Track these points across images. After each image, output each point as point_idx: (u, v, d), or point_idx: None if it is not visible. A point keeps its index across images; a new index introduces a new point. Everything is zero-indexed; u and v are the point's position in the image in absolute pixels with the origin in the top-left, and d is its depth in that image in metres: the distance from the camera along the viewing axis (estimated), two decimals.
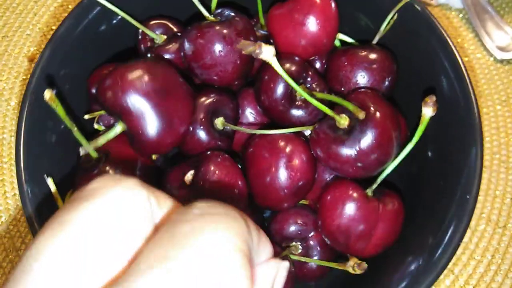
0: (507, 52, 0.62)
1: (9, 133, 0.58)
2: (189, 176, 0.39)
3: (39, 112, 0.38)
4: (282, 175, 0.39)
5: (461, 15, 0.65)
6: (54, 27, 0.65)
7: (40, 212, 0.35)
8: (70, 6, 0.66)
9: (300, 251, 0.43)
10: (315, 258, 0.43)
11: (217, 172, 0.37)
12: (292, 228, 0.43)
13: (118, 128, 0.36)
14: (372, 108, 0.37)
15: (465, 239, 0.54)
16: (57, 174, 0.38)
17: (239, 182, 0.39)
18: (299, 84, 0.42)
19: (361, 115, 0.37)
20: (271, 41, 0.46)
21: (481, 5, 0.64)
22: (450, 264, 0.53)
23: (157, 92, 0.36)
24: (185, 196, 0.38)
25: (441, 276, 0.52)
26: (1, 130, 0.58)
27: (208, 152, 0.39)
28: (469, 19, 0.64)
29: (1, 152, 0.57)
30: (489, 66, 0.62)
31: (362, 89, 0.41)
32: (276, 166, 0.39)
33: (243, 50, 0.32)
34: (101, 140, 0.34)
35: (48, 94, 0.29)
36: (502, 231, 0.55)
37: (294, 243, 0.44)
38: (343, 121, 0.38)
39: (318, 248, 0.43)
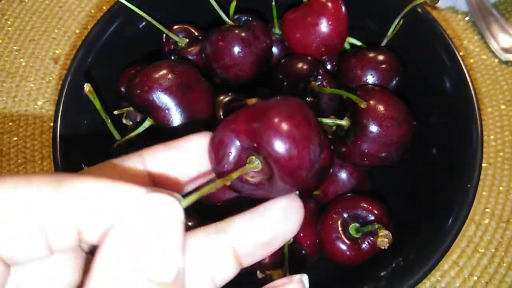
0: None
1: (38, 130, 0.62)
2: None
3: (73, 106, 0.42)
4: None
5: (466, 18, 0.68)
6: (78, 31, 0.69)
7: None
8: (92, 11, 0.70)
9: None
10: None
11: None
12: None
13: (147, 123, 0.39)
14: (372, 99, 0.40)
15: (470, 232, 0.57)
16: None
17: None
18: (310, 81, 0.45)
19: (363, 104, 0.40)
20: (285, 43, 0.49)
21: (486, 8, 0.66)
22: (455, 256, 0.56)
23: (180, 88, 0.39)
24: None
25: (446, 268, 0.55)
26: (30, 127, 0.62)
27: None
28: (474, 22, 0.67)
29: (32, 147, 0.61)
30: (494, 68, 0.65)
31: (368, 85, 0.45)
32: None
33: None
34: (132, 133, 0.37)
35: (87, 87, 0.33)
36: (505, 225, 0.57)
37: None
38: (345, 123, 0.42)
39: None
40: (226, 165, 0.24)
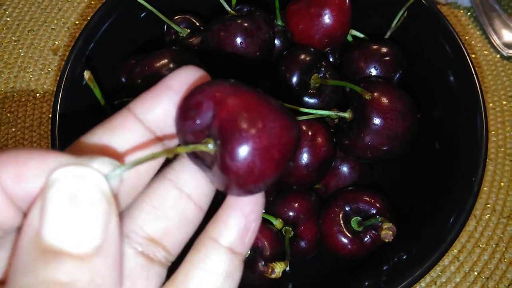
0: None
1: (36, 121, 0.61)
2: None
3: (72, 96, 0.41)
4: (307, 152, 0.42)
5: (469, 13, 0.67)
6: (78, 22, 0.68)
7: None
8: (92, 2, 0.69)
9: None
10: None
11: None
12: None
13: None
14: (377, 91, 0.40)
15: (471, 227, 0.56)
16: None
17: None
18: (312, 73, 0.45)
19: (367, 96, 0.39)
20: (288, 35, 0.48)
21: (488, 3, 0.66)
22: (456, 251, 0.56)
23: None
24: None
25: (447, 262, 0.55)
26: (29, 118, 0.61)
27: None
28: (476, 17, 0.67)
29: (31, 139, 0.60)
30: (496, 63, 0.65)
31: (371, 77, 0.44)
32: (302, 145, 0.42)
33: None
34: None
35: (87, 74, 0.32)
36: (506, 221, 0.57)
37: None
38: (348, 115, 0.41)
39: None
40: (186, 131, 0.22)
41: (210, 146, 0.22)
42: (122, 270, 0.20)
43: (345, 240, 0.43)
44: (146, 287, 0.23)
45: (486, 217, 0.57)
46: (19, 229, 0.21)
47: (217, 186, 0.23)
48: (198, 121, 0.22)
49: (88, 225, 0.18)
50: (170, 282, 0.23)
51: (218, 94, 0.22)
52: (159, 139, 0.24)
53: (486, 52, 0.65)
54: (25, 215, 0.20)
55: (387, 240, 0.38)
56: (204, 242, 0.23)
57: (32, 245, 0.18)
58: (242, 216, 0.23)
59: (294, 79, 0.44)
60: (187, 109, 0.22)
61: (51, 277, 0.17)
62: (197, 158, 0.23)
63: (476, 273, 0.54)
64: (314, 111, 0.42)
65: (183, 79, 0.24)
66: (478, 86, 0.43)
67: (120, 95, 0.46)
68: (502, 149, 0.60)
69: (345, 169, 0.48)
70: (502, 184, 0.58)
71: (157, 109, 0.23)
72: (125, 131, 0.23)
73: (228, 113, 0.21)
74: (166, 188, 0.24)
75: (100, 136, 0.23)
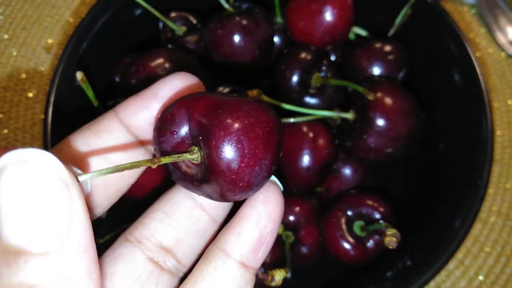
0: None
1: (29, 122, 0.59)
2: None
3: (65, 97, 0.40)
4: (308, 154, 0.40)
5: (473, 11, 0.66)
6: (71, 20, 0.66)
7: None
8: (87, 0, 0.68)
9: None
10: None
11: None
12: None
13: None
14: (380, 91, 0.39)
15: (476, 231, 0.55)
16: None
17: None
18: (313, 72, 0.43)
19: (370, 96, 0.38)
20: (288, 33, 0.47)
21: (493, 1, 0.65)
22: (461, 255, 0.54)
23: None
24: None
25: (452, 267, 0.54)
26: (21, 119, 0.60)
27: None
28: (481, 15, 0.65)
29: (23, 140, 0.59)
30: (501, 61, 0.63)
31: (374, 77, 0.43)
32: (303, 147, 0.40)
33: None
34: None
35: (80, 75, 0.31)
36: None
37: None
38: (351, 116, 0.40)
39: None
40: (164, 143, 0.22)
41: (195, 152, 0.21)
42: (95, 259, 0.19)
43: (347, 246, 0.42)
44: None
45: (492, 220, 0.55)
46: None
47: (213, 195, 0.22)
48: (175, 132, 0.22)
49: (48, 218, 0.17)
50: None
51: (188, 102, 0.22)
52: (142, 143, 0.24)
53: (491, 51, 0.64)
54: None
55: (391, 247, 0.37)
56: (214, 253, 0.23)
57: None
58: (257, 228, 0.22)
59: (295, 79, 0.43)
60: (163, 124, 0.22)
61: (15, 280, 0.16)
62: (185, 176, 0.22)
63: (481, 278, 0.53)
64: (315, 111, 0.40)
65: (171, 86, 0.24)
66: (483, 86, 0.42)
67: (114, 95, 0.45)
68: (507, 150, 0.58)
69: (347, 171, 0.46)
70: (507, 186, 0.57)
71: (142, 116, 0.24)
72: (110, 135, 0.23)
73: (201, 110, 0.21)
74: (180, 197, 0.25)
75: (86, 138, 0.23)
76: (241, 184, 0.21)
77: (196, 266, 0.23)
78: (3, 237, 0.16)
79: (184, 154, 0.21)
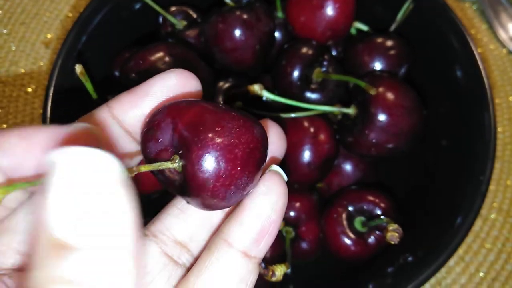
0: None
1: (28, 117, 0.59)
2: None
3: (64, 91, 0.39)
4: (309, 149, 0.40)
5: (474, 7, 0.65)
6: (70, 14, 0.66)
7: None
8: None
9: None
10: None
11: None
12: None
13: None
14: (382, 86, 0.38)
15: (476, 227, 0.55)
16: None
17: None
18: (314, 67, 0.43)
19: (372, 91, 0.38)
20: (289, 27, 0.46)
21: None
22: (461, 251, 0.54)
23: None
24: None
25: (452, 264, 0.53)
26: (20, 114, 0.59)
27: None
28: (482, 11, 0.65)
29: None
30: (502, 58, 0.63)
31: (375, 71, 0.42)
32: (304, 142, 0.40)
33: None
34: None
35: (79, 68, 0.30)
36: None
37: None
38: (352, 111, 0.40)
39: None
40: (149, 149, 0.23)
41: (176, 162, 0.21)
42: (140, 264, 0.18)
43: (348, 241, 0.41)
44: (166, 286, 0.23)
45: (492, 216, 0.55)
46: None
47: (192, 203, 0.23)
48: (160, 139, 0.22)
49: (100, 214, 0.16)
50: (182, 282, 0.23)
51: (174, 111, 0.22)
52: (134, 138, 0.25)
53: (492, 47, 0.63)
54: None
55: (393, 243, 0.37)
56: (217, 244, 0.23)
57: (44, 237, 0.16)
58: (259, 218, 0.22)
59: (296, 74, 0.42)
60: (149, 130, 0.22)
61: (56, 274, 0.16)
62: (168, 181, 0.23)
63: (482, 274, 0.53)
64: (316, 106, 0.40)
65: (165, 83, 0.24)
66: (486, 82, 0.41)
67: (113, 90, 0.44)
68: (509, 147, 0.58)
69: (348, 167, 0.46)
70: (508, 182, 0.57)
71: (134, 113, 0.24)
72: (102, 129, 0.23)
73: (185, 123, 0.21)
74: None
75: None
76: (215, 200, 0.21)
77: (200, 257, 0.23)
78: (52, 229, 0.16)
79: (165, 163, 0.21)
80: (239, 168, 0.21)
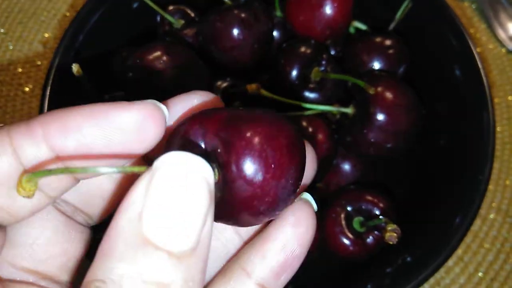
0: None
1: (25, 117, 0.59)
2: None
3: (61, 91, 0.39)
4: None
5: (473, 6, 0.65)
6: (68, 14, 0.65)
7: None
8: None
9: None
10: None
11: None
12: None
13: None
14: (380, 86, 0.38)
15: (475, 227, 0.55)
16: None
17: None
18: (313, 66, 0.43)
19: (371, 90, 0.37)
20: (288, 26, 0.46)
21: None
22: (460, 251, 0.54)
23: (176, 68, 0.37)
24: None
25: (451, 264, 0.53)
26: (18, 113, 0.59)
27: None
28: (481, 10, 0.65)
29: None
30: (501, 57, 0.63)
31: (374, 71, 0.42)
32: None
33: None
34: None
35: (75, 67, 0.30)
36: None
37: None
38: (351, 111, 0.40)
39: None
40: None
41: (214, 172, 0.20)
42: (205, 274, 0.18)
43: (347, 241, 0.41)
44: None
45: (491, 216, 0.55)
46: None
47: (231, 219, 0.21)
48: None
49: (190, 221, 0.17)
50: None
51: (200, 118, 0.21)
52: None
53: (491, 46, 0.63)
54: None
55: (391, 243, 0.37)
56: (234, 271, 0.21)
57: (132, 230, 0.16)
58: (283, 251, 0.21)
59: (294, 73, 0.42)
60: (175, 141, 0.21)
61: (149, 273, 0.16)
62: None
63: (481, 274, 0.53)
64: (314, 106, 0.40)
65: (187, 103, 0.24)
66: (485, 81, 0.41)
67: (111, 89, 0.44)
68: (508, 146, 0.58)
69: (347, 167, 0.46)
70: (507, 182, 0.57)
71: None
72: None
73: (217, 124, 0.20)
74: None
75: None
76: (266, 199, 0.19)
77: (213, 281, 0.22)
78: (146, 228, 0.16)
79: None
80: (287, 157, 0.19)
